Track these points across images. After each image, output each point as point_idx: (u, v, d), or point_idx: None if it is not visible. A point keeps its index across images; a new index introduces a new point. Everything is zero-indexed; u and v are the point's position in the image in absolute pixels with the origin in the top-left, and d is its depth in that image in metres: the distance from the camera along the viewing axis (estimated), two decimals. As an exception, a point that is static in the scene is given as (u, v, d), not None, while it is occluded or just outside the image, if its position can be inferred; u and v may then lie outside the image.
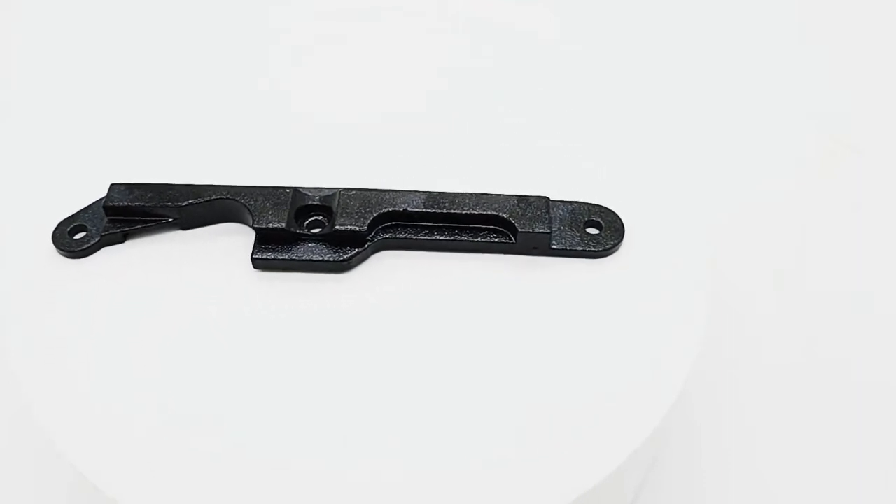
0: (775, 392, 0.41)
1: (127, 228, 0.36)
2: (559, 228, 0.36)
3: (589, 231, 0.36)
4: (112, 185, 0.36)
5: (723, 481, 0.39)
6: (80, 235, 0.36)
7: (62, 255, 0.35)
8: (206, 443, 0.30)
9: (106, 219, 0.36)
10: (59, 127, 0.50)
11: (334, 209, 0.36)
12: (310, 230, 0.36)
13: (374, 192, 0.36)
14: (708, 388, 0.41)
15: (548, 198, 0.36)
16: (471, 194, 0.36)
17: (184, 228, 0.36)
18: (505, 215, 0.35)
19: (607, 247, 0.35)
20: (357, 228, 0.35)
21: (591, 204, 0.37)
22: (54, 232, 0.36)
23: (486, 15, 0.46)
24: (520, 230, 0.35)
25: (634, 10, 0.61)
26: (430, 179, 0.37)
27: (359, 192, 0.36)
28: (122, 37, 0.60)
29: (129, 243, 0.36)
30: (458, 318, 0.34)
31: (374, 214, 0.35)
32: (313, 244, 0.35)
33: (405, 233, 0.36)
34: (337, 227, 0.35)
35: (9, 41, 0.61)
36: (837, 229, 0.48)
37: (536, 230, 0.35)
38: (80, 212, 0.36)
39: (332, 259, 0.35)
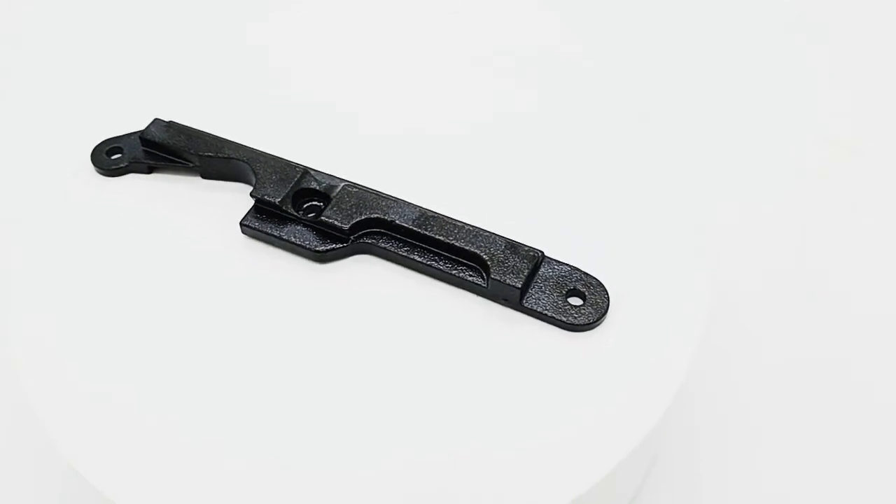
0: (774, 391, 0.41)
1: (154, 162, 0.38)
2: (540, 287, 0.34)
3: (571, 301, 0.34)
4: (155, 119, 0.39)
5: (722, 480, 0.38)
6: (115, 157, 0.39)
7: (96, 170, 0.38)
8: (194, 439, 0.30)
9: (141, 149, 0.38)
10: (120, 59, 0.53)
11: (331, 200, 0.36)
12: (306, 213, 0.36)
13: (373, 195, 0.36)
14: (707, 386, 0.40)
15: (542, 253, 0.34)
16: (466, 225, 0.35)
17: (203, 177, 0.38)
18: (484, 256, 0.34)
19: (582, 322, 0.33)
20: (340, 224, 0.35)
21: (583, 272, 0.34)
22: (94, 148, 0.39)
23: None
24: (491, 276, 0.33)
25: (634, 11, 0.61)
26: (446, 198, 0.37)
27: (360, 191, 0.36)
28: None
29: (153, 176, 0.39)
30: (406, 340, 0.33)
31: (361, 217, 0.35)
32: (301, 227, 0.36)
33: (388, 243, 0.35)
34: (323, 217, 0.35)
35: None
36: (837, 230, 0.47)
37: (507, 281, 0.33)
38: (122, 136, 0.39)
39: (310, 247, 0.35)
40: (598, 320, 0.33)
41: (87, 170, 0.38)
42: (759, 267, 0.46)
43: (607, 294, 0.33)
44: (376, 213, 0.35)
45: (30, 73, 0.55)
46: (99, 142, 0.39)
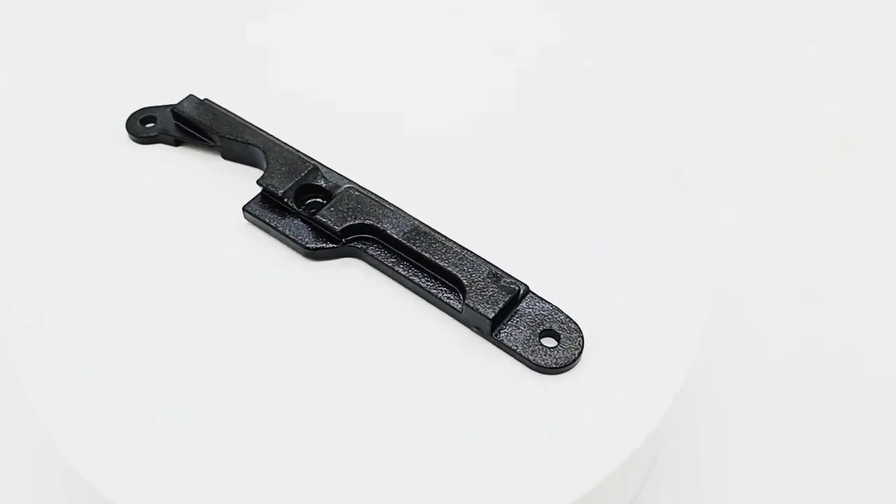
0: (774, 391, 0.41)
1: (181, 136, 0.39)
2: (516, 323, 0.33)
3: (544, 341, 0.32)
4: (190, 95, 0.40)
5: (722, 481, 0.38)
6: (148, 125, 0.40)
7: (130, 137, 0.40)
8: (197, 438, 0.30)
9: (173, 122, 0.40)
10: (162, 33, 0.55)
11: (332, 199, 0.36)
12: (308, 209, 0.36)
13: (372, 201, 0.36)
14: (707, 387, 0.40)
15: (524, 287, 0.33)
16: (455, 246, 0.34)
17: (223, 157, 0.39)
18: (464, 280, 0.33)
19: (549, 365, 0.32)
20: (333, 225, 0.35)
21: (565, 314, 0.33)
22: (131, 115, 0.40)
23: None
24: (465, 302, 0.32)
25: (634, 11, 0.60)
26: (442, 202, 0.37)
27: (360, 195, 0.36)
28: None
29: (180, 149, 0.40)
30: (370, 350, 0.33)
31: (355, 221, 0.35)
32: (298, 222, 0.36)
33: (377, 251, 0.35)
34: (318, 216, 0.35)
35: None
36: (837, 230, 0.47)
37: (480, 310, 0.32)
38: (158, 107, 0.40)
39: (302, 243, 0.35)
40: (567, 365, 0.32)
41: (122, 137, 0.40)
42: (759, 267, 0.45)
43: (582, 339, 0.32)
44: (370, 220, 0.35)
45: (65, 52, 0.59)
46: (135, 110, 0.40)
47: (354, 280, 0.35)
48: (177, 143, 0.40)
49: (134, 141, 0.40)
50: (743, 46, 0.59)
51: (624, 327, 0.33)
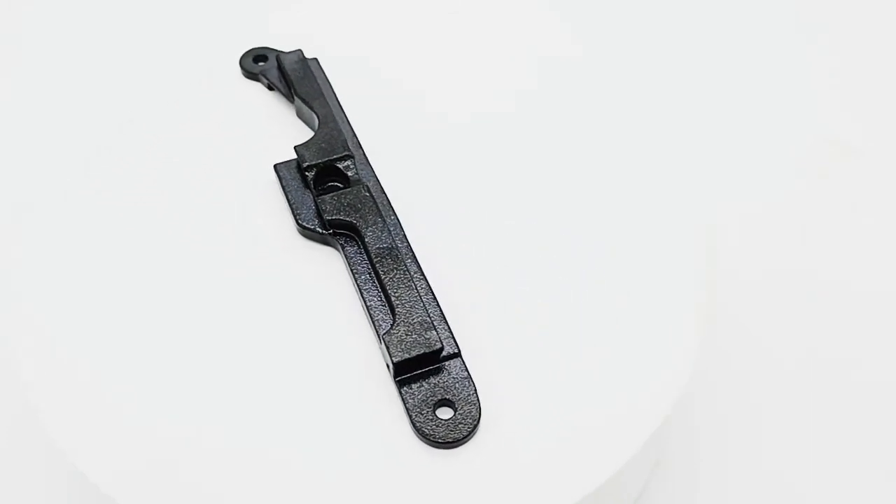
0: (775, 392, 0.41)
1: (272, 82, 0.41)
2: (424, 383, 0.31)
3: (440, 412, 0.30)
4: (298, 50, 0.42)
5: (724, 483, 0.39)
6: (260, 64, 0.42)
7: (242, 72, 0.43)
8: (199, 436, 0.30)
9: (276, 68, 0.42)
10: None
11: (343, 189, 0.36)
12: (322, 189, 0.37)
13: (373, 205, 0.35)
14: (708, 389, 0.41)
15: (440, 348, 0.31)
16: (415, 276, 0.33)
17: (297, 115, 0.41)
18: (397, 316, 0.32)
19: (437, 439, 0.30)
20: (322, 215, 0.35)
21: (475, 392, 0.31)
22: (247, 52, 0.43)
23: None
24: (383, 335, 0.31)
25: (634, 12, 0.60)
26: (438, 201, 0.37)
27: (367, 196, 0.35)
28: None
29: (272, 94, 0.42)
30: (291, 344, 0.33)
31: (342, 217, 0.35)
32: (310, 197, 0.36)
33: (352, 253, 0.35)
34: (319, 199, 0.35)
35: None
36: (837, 230, 0.48)
37: (389, 350, 0.31)
38: (271, 51, 0.43)
39: (298, 217, 0.36)
40: (447, 444, 0.30)
41: (231, 67, 0.43)
42: (759, 267, 0.46)
43: (479, 413, 0.30)
44: (358, 223, 0.35)
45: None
46: (249, 48, 0.43)
47: (322, 270, 0.35)
48: (269, 87, 0.42)
49: (244, 75, 0.43)
50: (743, 46, 0.58)
51: (624, 327, 0.33)
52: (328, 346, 0.33)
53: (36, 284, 0.35)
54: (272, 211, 0.37)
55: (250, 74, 0.42)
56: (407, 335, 0.31)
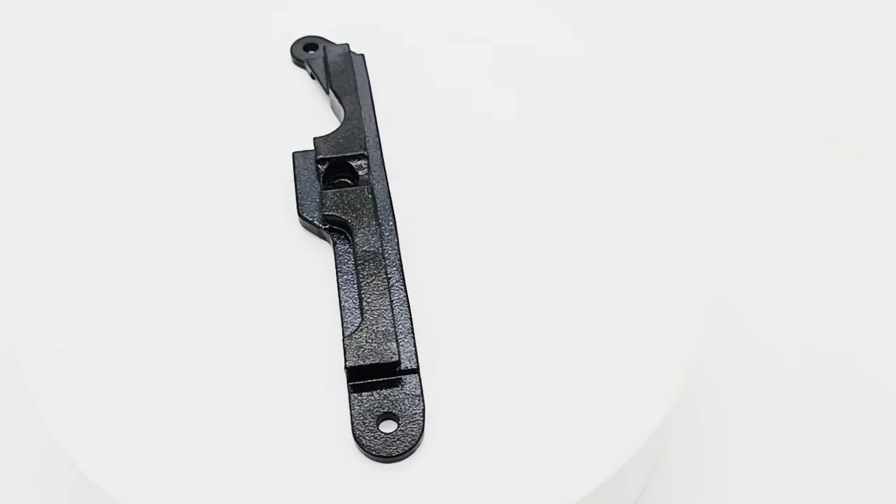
0: (776, 392, 0.41)
1: (313, 73, 0.42)
2: (376, 393, 0.30)
3: (382, 425, 0.30)
4: (345, 44, 0.42)
5: (724, 481, 0.39)
6: (310, 52, 0.43)
7: (291, 59, 0.43)
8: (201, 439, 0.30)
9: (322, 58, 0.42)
10: None
11: (348, 186, 0.36)
12: (330, 183, 0.37)
13: (370, 207, 0.35)
14: (709, 388, 0.41)
15: (396, 361, 0.30)
16: (395, 286, 0.33)
17: (332, 108, 0.41)
18: (364, 321, 0.31)
19: (371, 451, 0.29)
20: (320, 210, 0.35)
21: (423, 411, 0.30)
22: (298, 40, 0.43)
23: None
24: (344, 339, 0.31)
25: (634, 11, 0.60)
26: (437, 203, 0.37)
27: (366, 196, 0.35)
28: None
29: (313, 83, 0.42)
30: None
31: (338, 214, 0.35)
32: (318, 185, 0.37)
33: (341, 250, 0.34)
34: (322, 191, 0.36)
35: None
36: (837, 230, 0.48)
37: (346, 352, 0.30)
38: (320, 40, 0.43)
39: (303, 206, 0.36)
40: (381, 458, 0.29)
41: (284, 58, 0.44)
42: (759, 267, 0.46)
43: (422, 426, 0.29)
44: (351, 222, 0.34)
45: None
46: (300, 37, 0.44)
47: (313, 263, 0.35)
48: (313, 76, 0.42)
49: (294, 62, 0.43)
50: (743, 46, 0.58)
51: (624, 327, 0.32)
52: (296, 342, 0.32)
53: (39, 273, 0.35)
54: (281, 198, 0.37)
55: (298, 62, 0.43)
56: (367, 342, 0.31)
